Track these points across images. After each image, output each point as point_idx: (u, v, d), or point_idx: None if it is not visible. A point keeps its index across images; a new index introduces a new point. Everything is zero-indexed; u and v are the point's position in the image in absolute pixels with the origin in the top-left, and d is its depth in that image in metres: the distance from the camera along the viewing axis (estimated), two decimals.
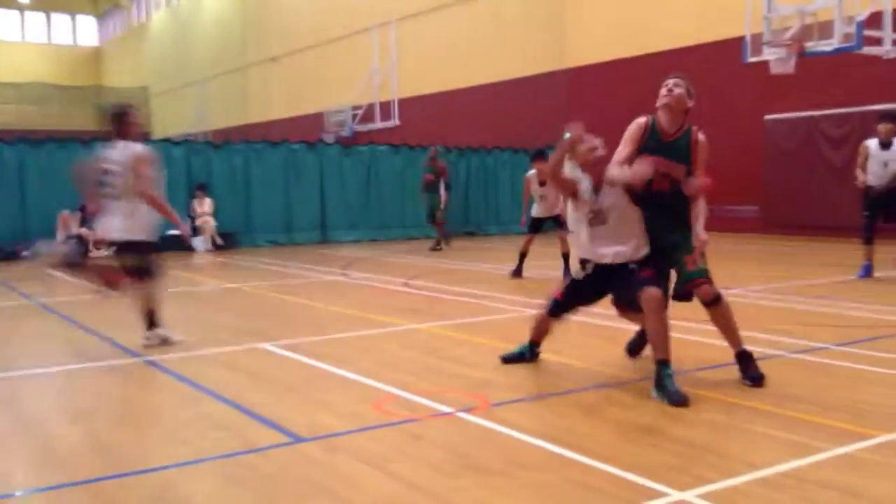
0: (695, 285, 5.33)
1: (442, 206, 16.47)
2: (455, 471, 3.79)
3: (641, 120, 5.62)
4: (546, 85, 23.13)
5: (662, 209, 5.35)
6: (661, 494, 3.43)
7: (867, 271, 10.33)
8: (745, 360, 5.36)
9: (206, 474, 3.86)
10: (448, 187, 16.69)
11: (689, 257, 5.30)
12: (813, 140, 16.89)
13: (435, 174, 16.56)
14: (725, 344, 6.50)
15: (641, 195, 5.28)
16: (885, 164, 10.13)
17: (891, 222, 10.27)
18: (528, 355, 5.99)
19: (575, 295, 5.72)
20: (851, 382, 5.35)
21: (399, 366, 6.02)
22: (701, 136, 5.56)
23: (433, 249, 16.39)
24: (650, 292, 5.12)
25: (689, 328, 7.30)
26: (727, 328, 5.42)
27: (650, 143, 5.45)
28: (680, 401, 4.78)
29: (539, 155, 12.08)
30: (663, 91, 5.61)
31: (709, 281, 5.32)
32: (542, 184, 11.52)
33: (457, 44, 26.62)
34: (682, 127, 5.60)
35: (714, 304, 5.34)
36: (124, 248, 6.88)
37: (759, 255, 14.81)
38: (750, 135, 18.07)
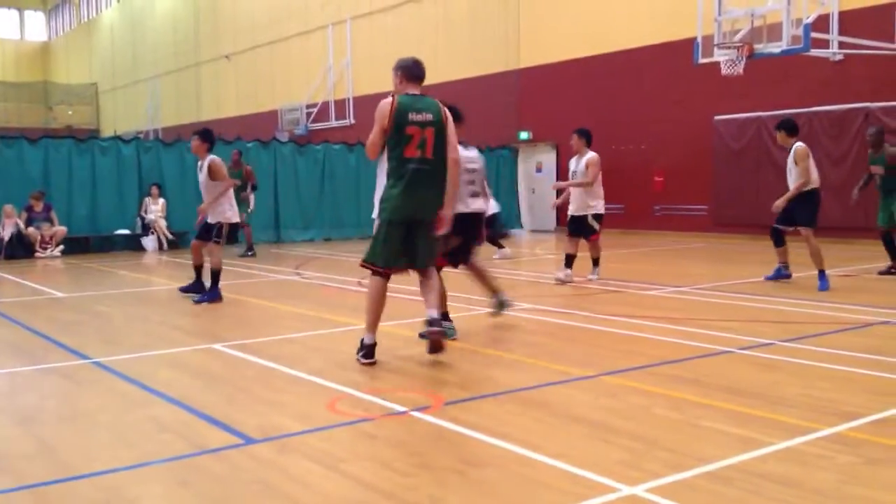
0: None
1: (250, 209, 15.47)
2: (408, 469, 3.78)
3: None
4: (499, 84, 23.22)
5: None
6: (611, 490, 3.46)
7: (778, 273, 10.05)
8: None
9: (155, 477, 3.80)
10: (254, 188, 15.71)
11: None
12: (761, 140, 17.20)
13: (241, 178, 15.36)
14: (678, 341, 6.63)
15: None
16: (788, 171, 9.88)
17: (797, 225, 9.75)
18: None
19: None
20: (797, 378, 5.46)
21: (352, 365, 6.00)
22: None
23: (244, 256, 15.34)
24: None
25: (642, 326, 7.40)
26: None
27: None
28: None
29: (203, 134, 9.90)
30: None
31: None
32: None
33: (411, 42, 26.57)
34: None
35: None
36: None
37: (706, 253, 15.06)
38: (700, 135, 18.36)
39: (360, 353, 5.99)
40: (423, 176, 5.68)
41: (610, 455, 3.91)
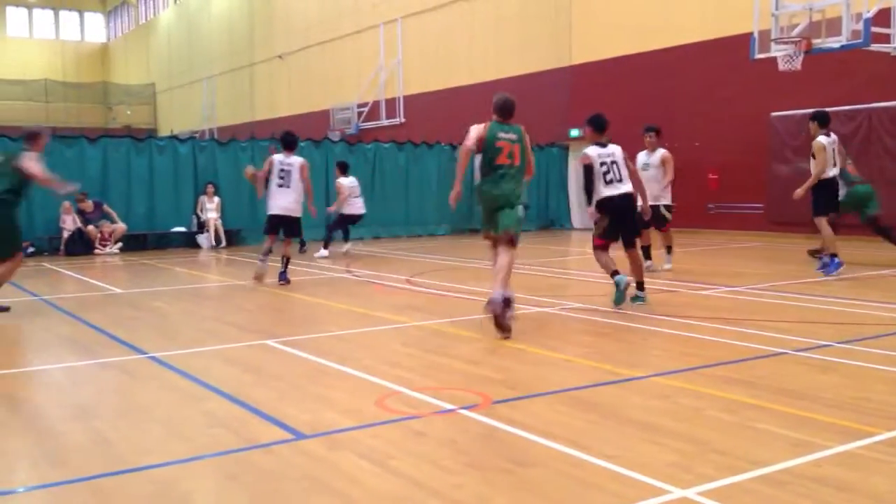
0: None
1: None
2: (456, 468, 3.79)
3: None
4: (551, 82, 23.11)
5: None
6: (662, 492, 3.42)
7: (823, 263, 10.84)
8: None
9: (207, 471, 3.87)
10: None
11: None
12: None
13: None
14: (731, 341, 6.54)
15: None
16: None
17: (813, 215, 10.91)
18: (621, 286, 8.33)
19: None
20: (854, 380, 5.33)
21: (402, 363, 6.03)
22: None
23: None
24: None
25: (695, 326, 7.31)
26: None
27: None
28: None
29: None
30: None
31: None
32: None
33: (462, 40, 26.60)
34: None
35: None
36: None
37: (761, 252, 14.78)
38: (756, 132, 18.01)
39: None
40: (509, 176, 7.54)
41: (661, 457, 3.87)
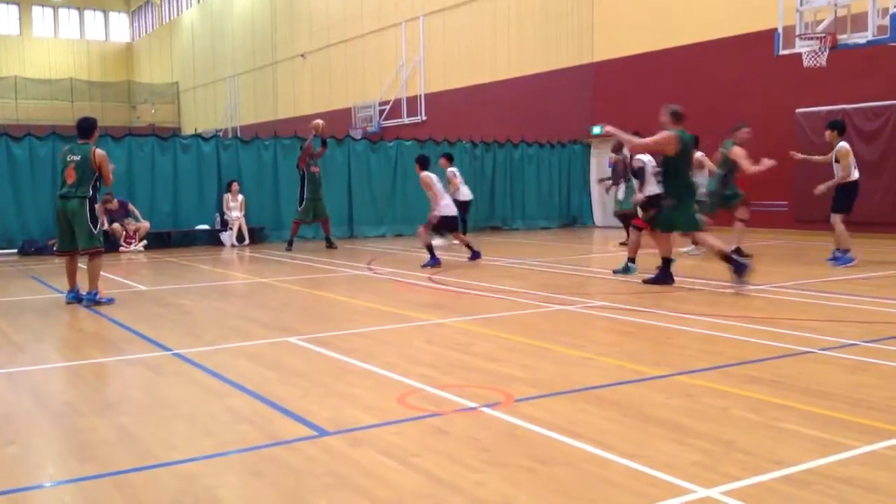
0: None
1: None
2: (478, 465, 3.78)
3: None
4: (573, 78, 23.02)
5: None
6: (686, 491, 3.40)
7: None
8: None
9: (232, 467, 3.89)
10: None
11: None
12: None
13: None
14: (756, 340, 6.47)
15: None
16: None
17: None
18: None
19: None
20: (881, 379, 5.27)
21: (424, 360, 6.03)
22: None
23: (330, 247, 16.02)
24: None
25: (719, 325, 7.26)
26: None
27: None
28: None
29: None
30: None
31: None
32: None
33: (484, 38, 26.57)
34: None
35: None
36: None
37: (787, 250, 14.65)
38: (781, 129, 17.84)
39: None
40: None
41: (685, 456, 3.84)
